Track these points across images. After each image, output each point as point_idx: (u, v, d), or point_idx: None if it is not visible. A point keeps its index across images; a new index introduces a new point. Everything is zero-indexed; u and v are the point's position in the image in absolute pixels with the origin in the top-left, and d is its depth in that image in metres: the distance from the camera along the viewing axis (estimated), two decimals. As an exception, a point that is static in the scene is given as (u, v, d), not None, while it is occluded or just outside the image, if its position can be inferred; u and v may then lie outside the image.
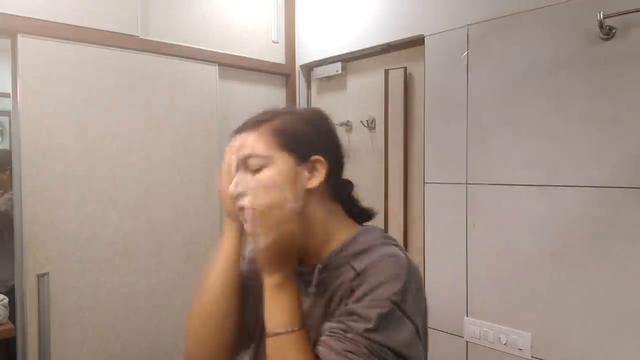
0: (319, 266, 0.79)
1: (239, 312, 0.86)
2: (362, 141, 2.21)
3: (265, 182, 0.75)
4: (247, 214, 0.75)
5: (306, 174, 0.78)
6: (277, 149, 0.77)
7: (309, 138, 0.80)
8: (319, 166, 0.79)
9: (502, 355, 1.63)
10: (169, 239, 1.94)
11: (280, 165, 0.76)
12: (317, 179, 0.78)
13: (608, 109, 1.39)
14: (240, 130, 0.82)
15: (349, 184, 0.89)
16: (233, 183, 0.79)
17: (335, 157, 0.83)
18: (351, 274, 0.74)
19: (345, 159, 0.86)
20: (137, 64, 1.86)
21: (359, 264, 0.75)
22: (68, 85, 1.69)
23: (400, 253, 0.77)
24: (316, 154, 0.78)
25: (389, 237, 0.83)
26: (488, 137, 1.66)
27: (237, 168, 0.80)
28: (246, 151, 0.78)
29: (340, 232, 0.82)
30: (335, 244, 0.80)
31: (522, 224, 1.58)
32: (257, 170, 0.77)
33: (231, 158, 0.82)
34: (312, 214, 0.79)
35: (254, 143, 0.78)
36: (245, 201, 0.76)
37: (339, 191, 0.85)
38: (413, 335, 0.73)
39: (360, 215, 0.88)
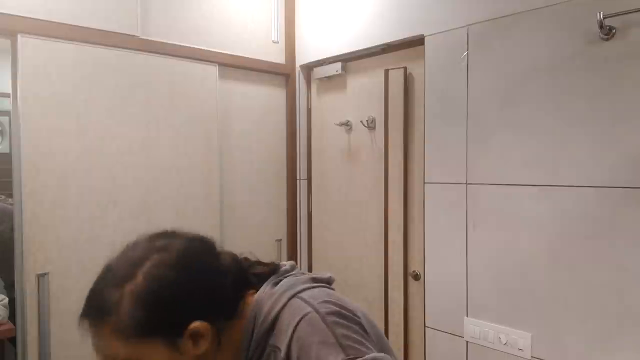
0: None
1: None
2: (362, 141, 2.21)
3: None
4: None
5: (189, 343, 0.66)
6: (140, 340, 0.63)
7: (176, 309, 0.65)
8: (200, 333, 0.66)
9: (502, 355, 1.63)
10: (169, 239, 1.93)
11: (154, 358, 0.64)
12: (204, 343, 0.67)
13: (608, 109, 1.39)
14: (88, 319, 0.66)
15: (237, 285, 0.74)
16: None
17: (219, 302, 0.70)
18: (279, 354, 0.67)
19: (221, 295, 0.71)
20: (137, 64, 1.86)
21: (279, 341, 0.67)
22: (68, 85, 1.69)
23: (306, 308, 0.68)
24: (191, 321, 0.65)
25: (286, 287, 0.73)
26: (488, 137, 1.66)
27: None
28: (105, 356, 0.65)
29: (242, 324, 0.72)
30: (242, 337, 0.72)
31: (522, 224, 1.58)
32: None
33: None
34: (209, 351, 0.68)
35: (111, 344, 0.64)
36: None
37: (231, 312, 0.72)
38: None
39: (261, 278, 0.78)
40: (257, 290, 0.75)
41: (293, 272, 0.79)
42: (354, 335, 0.65)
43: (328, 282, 0.80)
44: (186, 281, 0.66)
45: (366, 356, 0.62)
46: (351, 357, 0.62)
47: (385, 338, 0.79)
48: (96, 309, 0.65)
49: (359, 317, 0.71)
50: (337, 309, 0.69)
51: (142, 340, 0.63)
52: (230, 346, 0.71)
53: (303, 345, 0.65)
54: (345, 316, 0.68)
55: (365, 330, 0.69)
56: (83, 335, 0.67)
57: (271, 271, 0.79)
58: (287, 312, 0.69)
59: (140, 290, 0.64)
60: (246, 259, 0.81)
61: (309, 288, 0.74)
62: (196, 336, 0.66)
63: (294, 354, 0.65)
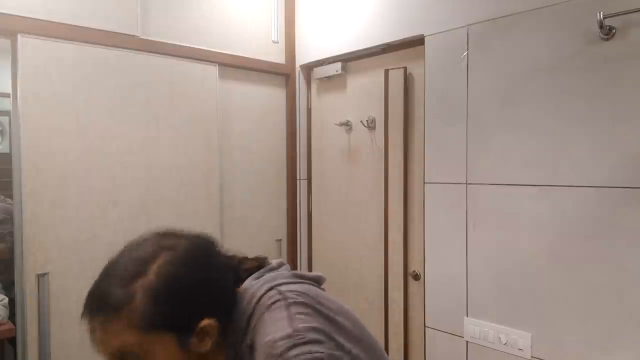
0: None
1: None
2: (362, 141, 2.21)
3: None
4: None
5: (196, 341, 0.66)
6: (152, 334, 0.63)
7: (188, 305, 0.65)
8: (208, 330, 0.67)
9: (502, 355, 1.63)
10: (169, 239, 1.93)
11: (163, 356, 0.64)
12: (210, 340, 0.67)
13: (608, 109, 1.39)
14: (94, 313, 0.66)
15: (234, 288, 0.75)
16: None
17: (224, 298, 0.71)
18: (247, 340, 0.69)
19: (223, 287, 0.72)
20: (137, 64, 1.86)
21: (252, 328, 0.69)
22: (68, 85, 1.69)
23: (277, 296, 0.69)
24: (202, 317, 0.66)
25: (266, 280, 0.74)
26: (488, 137, 1.66)
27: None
28: (114, 348, 0.64)
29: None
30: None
31: (522, 224, 1.58)
32: None
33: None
34: (212, 349, 0.69)
35: (121, 337, 0.63)
36: None
37: (232, 308, 0.73)
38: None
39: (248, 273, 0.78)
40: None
41: (279, 269, 0.79)
42: (313, 324, 0.65)
43: (316, 281, 0.80)
44: (196, 277, 0.67)
45: (308, 336, 0.62)
46: (300, 336, 0.62)
47: (377, 343, 0.78)
48: (107, 304, 0.64)
49: (333, 316, 0.70)
50: (306, 302, 0.68)
51: (152, 335, 0.63)
52: (223, 341, 0.72)
53: (262, 327, 0.66)
54: (310, 306, 0.68)
55: (339, 330, 0.69)
56: (84, 334, 0.67)
57: (258, 266, 0.79)
58: (262, 303, 0.70)
59: (154, 285, 0.64)
60: (234, 255, 0.81)
61: (289, 282, 0.74)
62: (204, 333, 0.67)
63: (256, 336, 0.66)
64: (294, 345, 0.61)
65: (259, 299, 0.70)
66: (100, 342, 0.65)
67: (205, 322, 0.66)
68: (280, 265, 0.80)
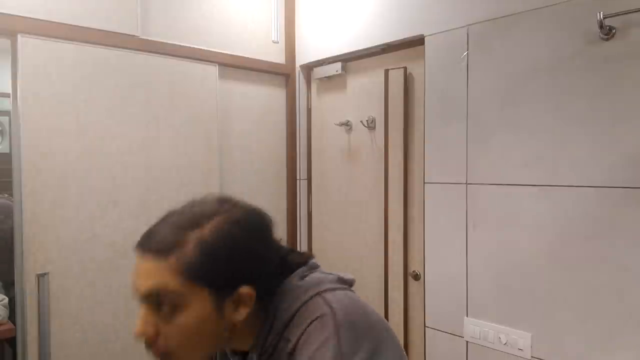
0: (254, 357, 0.73)
1: None
2: (362, 141, 2.21)
3: (180, 329, 0.65)
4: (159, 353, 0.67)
5: (231, 307, 0.67)
6: (192, 284, 0.65)
7: (233, 266, 0.67)
8: (245, 298, 0.68)
9: (502, 355, 1.63)
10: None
11: (196, 310, 0.65)
12: (243, 311, 0.68)
13: (608, 109, 1.39)
14: (145, 248, 0.68)
15: (278, 268, 0.75)
16: (140, 322, 0.67)
17: (267, 271, 0.72)
18: (288, 345, 0.69)
19: (273, 257, 0.73)
20: (137, 64, 1.86)
21: (292, 334, 0.69)
22: (68, 85, 1.69)
23: (325, 308, 0.68)
24: (242, 283, 0.67)
25: (312, 283, 0.74)
26: (488, 137, 1.66)
27: (143, 300, 0.67)
28: (153, 285, 0.65)
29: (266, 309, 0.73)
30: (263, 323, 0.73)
31: (522, 224, 1.57)
32: (168, 310, 0.65)
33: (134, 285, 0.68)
34: (241, 324, 0.70)
35: (163, 277, 0.65)
36: (159, 342, 0.66)
37: (271, 291, 0.73)
38: None
39: (290, 267, 0.78)
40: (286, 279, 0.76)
41: (320, 268, 0.80)
42: (360, 352, 0.65)
43: (351, 285, 0.81)
44: (246, 243, 0.68)
45: None
46: None
47: (403, 352, 0.78)
48: (160, 243, 0.67)
49: (377, 331, 0.70)
50: (354, 319, 0.68)
51: (192, 286, 0.65)
52: (254, 327, 0.73)
53: (308, 339, 0.66)
54: (359, 329, 0.68)
55: (379, 345, 0.69)
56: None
57: (304, 262, 0.79)
58: (307, 309, 0.70)
59: (206, 239, 0.66)
60: (283, 246, 0.81)
61: (333, 289, 0.74)
62: (240, 301, 0.68)
63: (298, 346, 0.66)
64: None
65: (304, 303, 0.71)
66: (142, 276, 0.66)
67: (245, 289, 0.67)
68: (317, 266, 0.80)
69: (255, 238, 0.70)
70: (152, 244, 0.67)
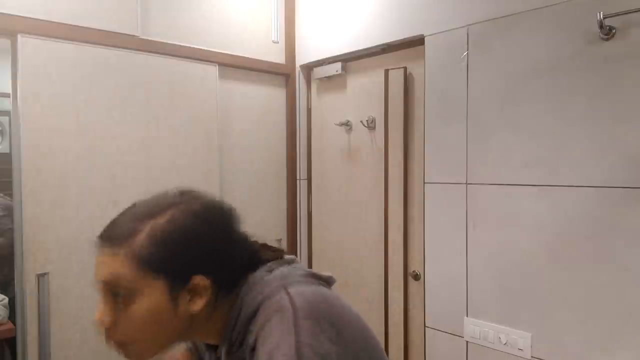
0: (223, 350, 0.72)
1: None
2: (362, 141, 2.21)
3: (135, 319, 0.66)
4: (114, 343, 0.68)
5: (186, 297, 0.67)
6: (146, 274, 0.65)
7: (186, 256, 0.67)
8: (200, 289, 0.68)
9: (502, 355, 1.63)
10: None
11: (150, 299, 0.65)
12: (200, 301, 0.68)
13: (608, 109, 1.39)
14: (104, 239, 0.69)
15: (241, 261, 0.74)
16: (99, 311, 0.68)
17: (226, 268, 0.71)
18: (252, 338, 0.68)
19: (237, 246, 0.73)
20: (137, 64, 1.86)
21: (255, 327, 0.68)
22: (68, 85, 1.69)
23: (286, 302, 0.67)
24: (196, 274, 0.67)
25: (277, 277, 0.73)
26: (488, 137, 1.66)
27: (101, 290, 0.68)
28: (107, 275, 0.66)
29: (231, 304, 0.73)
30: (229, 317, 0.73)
31: (522, 224, 1.58)
32: (124, 300, 0.66)
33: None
34: (203, 315, 0.70)
35: (117, 267, 0.65)
36: (117, 331, 0.67)
37: (232, 285, 0.73)
38: None
39: (259, 261, 0.77)
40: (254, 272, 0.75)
41: (293, 264, 0.78)
42: (321, 344, 0.63)
43: (327, 282, 0.79)
44: (202, 233, 0.68)
45: None
46: None
47: (380, 348, 0.76)
48: (114, 233, 0.68)
49: (343, 325, 0.68)
50: (316, 313, 0.67)
51: (146, 275, 0.65)
52: (218, 322, 0.72)
53: (267, 333, 0.65)
54: (322, 323, 0.66)
55: (341, 338, 0.67)
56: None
57: (275, 258, 0.78)
58: (270, 302, 0.69)
59: (160, 227, 0.66)
60: (256, 241, 0.80)
61: (301, 282, 0.73)
62: (195, 292, 0.68)
63: (259, 339, 0.66)
64: None
65: (267, 296, 0.70)
66: (100, 265, 0.68)
67: (199, 279, 0.67)
68: (292, 261, 0.79)
69: (213, 230, 0.70)
70: (109, 234, 0.69)
